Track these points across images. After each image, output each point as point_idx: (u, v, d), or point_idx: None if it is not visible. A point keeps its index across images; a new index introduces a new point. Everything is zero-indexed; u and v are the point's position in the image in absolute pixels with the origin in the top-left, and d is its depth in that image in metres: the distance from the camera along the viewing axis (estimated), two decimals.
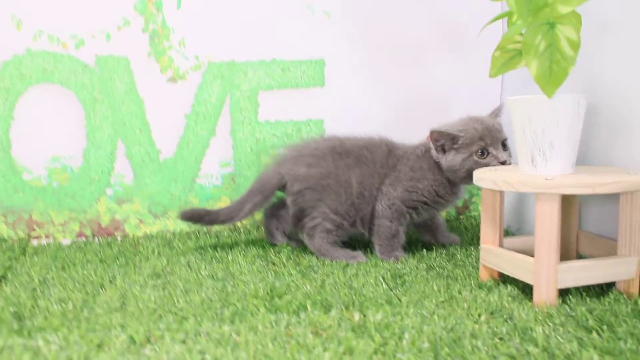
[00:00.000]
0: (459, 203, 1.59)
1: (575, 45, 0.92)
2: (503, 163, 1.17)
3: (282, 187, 1.30)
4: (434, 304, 0.95)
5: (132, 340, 0.82)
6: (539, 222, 0.94)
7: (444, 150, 1.21)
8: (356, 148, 1.28)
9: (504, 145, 1.20)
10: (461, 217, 1.61)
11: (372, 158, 1.27)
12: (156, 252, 1.32)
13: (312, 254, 1.27)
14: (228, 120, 1.50)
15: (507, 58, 1.10)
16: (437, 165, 1.24)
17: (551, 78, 0.94)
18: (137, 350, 0.78)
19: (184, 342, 0.81)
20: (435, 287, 1.03)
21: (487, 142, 1.17)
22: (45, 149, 1.45)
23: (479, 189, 1.60)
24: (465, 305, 0.94)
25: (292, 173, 1.28)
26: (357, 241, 1.36)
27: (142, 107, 1.47)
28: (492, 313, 0.90)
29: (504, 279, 1.07)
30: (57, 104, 1.44)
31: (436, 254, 1.27)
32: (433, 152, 1.23)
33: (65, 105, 1.44)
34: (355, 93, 1.53)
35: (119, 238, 1.47)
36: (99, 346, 0.80)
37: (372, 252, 1.28)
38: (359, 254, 1.24)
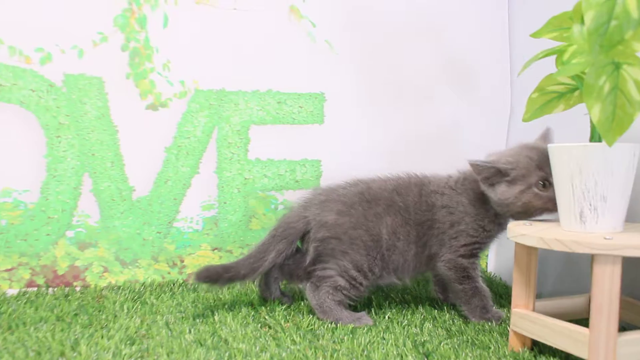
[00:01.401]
0: None
1: None
2: None
3: (304, 234, 1.15)
4: None
5: None
6: (597, 288, 0.82)
7: (491, 184, 1.07)
8: (385, 192, 1.14)
9: None
10: None
11: (404, 204, 1.13)
12: (125, 309, 1.11)
13: (310, 312, 1.10)
14: (214, 156, 1.33)
15: (545, 101, 1.01)
16: (480, 196, 1.10)
17: (614, 124, 0.83)
18: None
19: None
20: None
21: (548, 172, 1.02)
22: None
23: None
24: None
25: (319, 219, 1.13)
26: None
27: (116, 137, 1.28)
28: None
29: (539, 348, 0.94)
30: (13, 127, 1.23)
31: (449, 315, 1.13)
32: (481, 184, 1.09)
33: (23, 129, 1.23)
34: (357, 131, 1.40)
35: (77, 289, 1.25)
36: None
37: (376, 313, 1.13)
38: (364, 315, 1.09)
